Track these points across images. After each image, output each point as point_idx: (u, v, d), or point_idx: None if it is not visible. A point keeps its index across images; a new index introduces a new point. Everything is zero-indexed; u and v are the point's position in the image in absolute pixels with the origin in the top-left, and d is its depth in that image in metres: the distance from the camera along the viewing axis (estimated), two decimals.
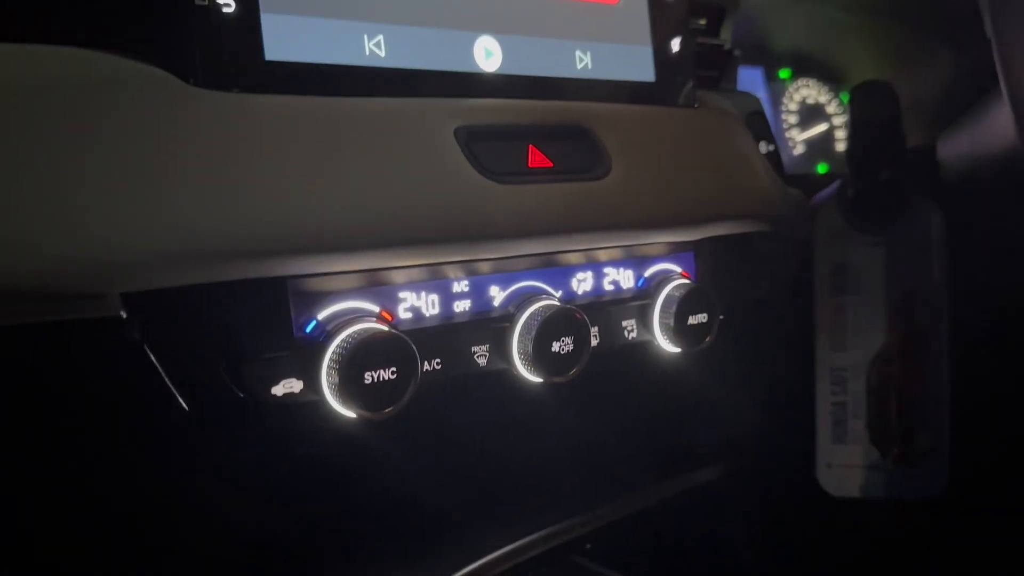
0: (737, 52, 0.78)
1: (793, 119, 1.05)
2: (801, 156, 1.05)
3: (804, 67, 1.08)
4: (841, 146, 1.08)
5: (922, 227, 0.73)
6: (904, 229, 0.74)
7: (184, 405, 0.42)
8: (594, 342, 0.56)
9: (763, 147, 0.76)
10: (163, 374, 0.41)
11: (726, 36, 0.77)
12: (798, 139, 1.05)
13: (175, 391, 0.41)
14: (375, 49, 0.50)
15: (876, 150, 0.68)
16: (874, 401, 0.74)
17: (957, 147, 0.79)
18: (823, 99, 1.08)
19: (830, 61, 1.08)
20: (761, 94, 1.02)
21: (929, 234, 0.73)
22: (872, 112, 0.65)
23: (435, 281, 0.51)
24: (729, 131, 0.66)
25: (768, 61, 1.05)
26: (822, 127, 1.07)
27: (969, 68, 1.00)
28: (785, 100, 1.05)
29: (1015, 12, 0.49)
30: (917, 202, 0.73)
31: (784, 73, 1.06)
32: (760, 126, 0.76)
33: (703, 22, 0.75)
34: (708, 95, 0.68)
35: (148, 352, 0.40)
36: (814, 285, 0.75)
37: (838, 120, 1.08)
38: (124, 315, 0.39)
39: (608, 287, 0.59)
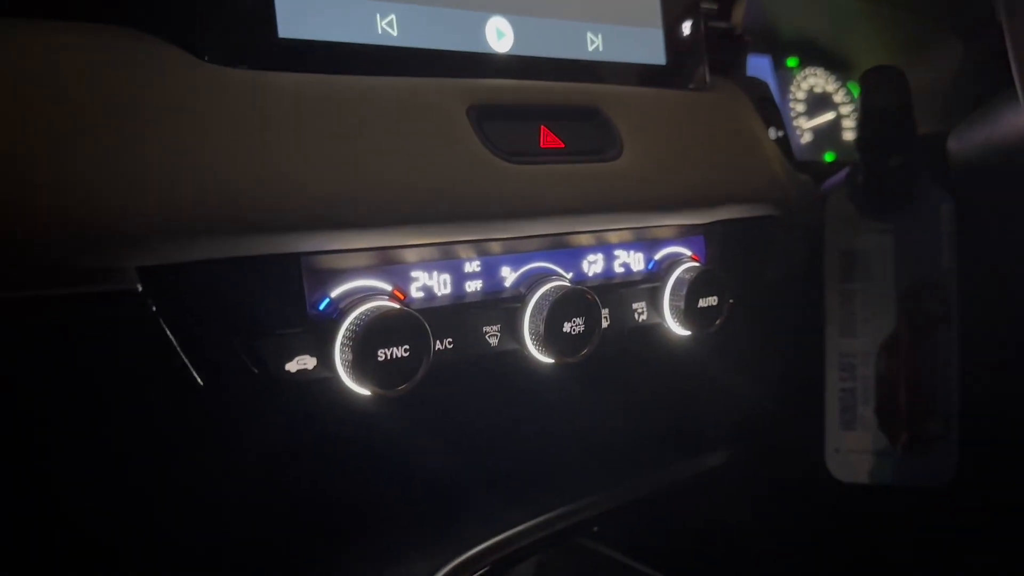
0: (748, 37, 0.77)
1: (800, 107, 1.05)
2: (808, 144, 1.05)
3: (811, 56, 1.07)
4: (849, 135, 1.08)
5: (932, 214, 0.73)
6: (914, 216, 0.73)
7: (199, 380, 0.42)
8: (604, 324, 0.56)
9: (772, 133, 0.76)
10: (178, 348, 0.41)
11: (737, 20, 0.77)
12: (805, 127, 1.05)
13: (190, 366, 0.41)
14: (387, 28, 0.49)
15: (886, 136, 0.68)
16: (883, 388, 0.74)
17: (969, 141, 0.79)
18: (830, 88, 1.08)
19: (837, 50, 1.08)
20: (769, 82, 1.02)
21: (939, 221, 0.73)
22: (883, 97, 0.65)
23: (447, 261, 0.51)
24: (740, 115, 0.66)
25: (775, 49, 1.04)
26: (829, 116, 1.06)
27: (979, 57, 1.00)
28: (792, 88, 1.05)
29: None
30: (927, 189, 0.73)
31: (792, 62, 1.06)
32: (769, 112, 0.76)
33: (714, 5, 0.75)
34: (719, 79, 0.68)
35: (163, 326, 0.40)
36: (823, 271, 0.75)
37: (845, 109, 1.08)
38: (140, 288, 0.39)
39: (619, 269, 0.59)
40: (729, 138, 0.64)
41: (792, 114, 1.04)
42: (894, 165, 0.70)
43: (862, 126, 0.69)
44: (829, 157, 1.06)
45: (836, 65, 1.08)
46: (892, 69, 0.66)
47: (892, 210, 0.74)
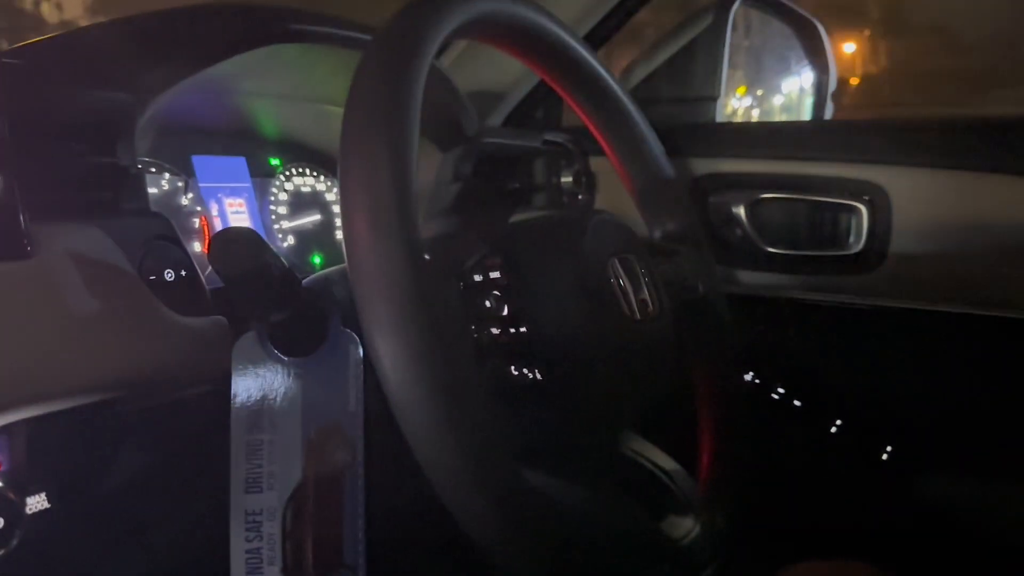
0: (138, 168, 0.70)
1: (284, 209, 1.01)
2: (292, 247, 1.01)
3: (296, 155, 1.04)
4: (340, 235, 1.07)
5: (340, 357, 0.72)
6: (322, 360, 0.72)
7: None
8: None
9: (170, 275, 0.70)
10: None
11: (125, 153, 0.69)
12: (287, 228, 1.01)
13: None
14: None
15: (254, 299, 0.64)
16: (290, 544, 0.71)
17: None
18: (320, 187, 1.06)
19: (324, 147, 1.06)
20: (246, 184, 0.97)
21: (347, 364, 0.72)
22: (232, 266, 0.61)
23: None
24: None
25: (255, 149, 0.99)
26: (314, 217, 1.04)
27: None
28: (274, 190, 1.01)
29: None
30: (336, 330, 0.72)
31: (274, 160, 1.02)
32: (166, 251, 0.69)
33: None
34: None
35: None
36: (231, 423, 0.71)
37: (336, 208, 1.07)
38: None
39: None
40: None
41: (273, 217, 1.00)
42: (276, 320, 0.68)
43: (227, 293, 0.65)
44: (317, 259, 1.03)
45: (324, 163, 1.07)
46: (239, 233, 0.62)
47: (300, 354, 0.71)
